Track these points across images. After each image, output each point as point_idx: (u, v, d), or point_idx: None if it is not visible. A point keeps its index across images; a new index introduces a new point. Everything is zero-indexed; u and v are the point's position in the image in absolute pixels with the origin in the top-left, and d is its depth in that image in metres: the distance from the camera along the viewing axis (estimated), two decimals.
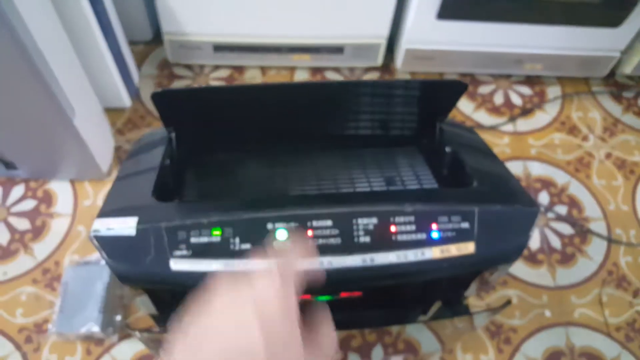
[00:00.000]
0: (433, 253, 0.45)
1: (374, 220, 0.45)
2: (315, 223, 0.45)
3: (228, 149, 0.60)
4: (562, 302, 0.98)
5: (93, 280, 0.91)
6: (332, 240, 0.44)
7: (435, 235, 0.45)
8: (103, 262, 0.94)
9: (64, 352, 0.89)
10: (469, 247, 0.45)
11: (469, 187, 0.51)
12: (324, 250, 0.44)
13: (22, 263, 0.98)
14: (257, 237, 0.44)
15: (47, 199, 1.06)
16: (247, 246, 0.44)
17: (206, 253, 0.43)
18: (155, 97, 0.50)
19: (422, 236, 0.45)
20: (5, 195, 1.06)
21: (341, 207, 0.46)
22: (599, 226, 1.08)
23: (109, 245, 0.43)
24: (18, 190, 1.07)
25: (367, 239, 0.45)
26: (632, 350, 0.94)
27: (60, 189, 1.07)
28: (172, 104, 0.52)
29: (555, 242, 1.06)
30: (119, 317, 0.91)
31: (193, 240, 0.43)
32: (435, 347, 0.90)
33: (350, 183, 0.57)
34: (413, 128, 0.60)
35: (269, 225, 0.44)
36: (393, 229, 0.45)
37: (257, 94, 0.54)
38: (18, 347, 0.90)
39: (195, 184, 0.57)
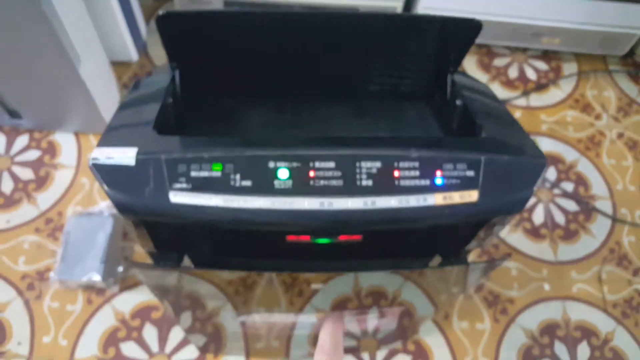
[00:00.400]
0: (435, 199, 0.44)
1: (378, 164, 0.44)
2: (317, 164, 0.44)
3: (234, 91, 0.59)
4: (561, 276, 0.98)
5: (95, 230, 0.92)
6: (334, 182, 0.44)
7: (439, 181, 0.44)
8: (106, 213, 0.95)
9: (66, 301, 0.90)
10: (472, 195, 0.44)
11: (477, 137, 0.50)
12: (325, 191, 0.43)
13: (25, 212, 0.99)
14: (258, 175, 0.43)
15: (52, 150, 1.06)
16: (247, 183, 0.43)
17: (206, 187, 0.43)
18: (161, 21, 0.48)
19: (425, 182, 0.44)
20: (10, 144, 1.06)
21: (345, 149, 0.45)
22: (604, 205, 1.07)
23: (108, 174, 0.43)
24: (22, 140, 1.06)
25: (369, 182, 0.44)
26: (628, 326, 0.94)
27: (65, 141, 1.07)
28: (178, 31, 0.50)
29: (560, 218, 1.05)
30: (120, 268, 0.92)
31: (193, 174, 0.43)
32: (430, 311, 0.91)
33: (356, 132, 0.56)
34: (424, 79, 0.59)
35: (271, 164, 0.44)
36: (396, 173, 0.44)
37: (270, 21, 0.52)
38: (20, 293, 0.90)
39: (198, 124, 0.56)
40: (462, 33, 0.54)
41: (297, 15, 0.55)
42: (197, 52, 0.55)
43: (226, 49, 0.55)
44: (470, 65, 1.25)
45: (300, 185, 0.43)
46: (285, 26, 0.53)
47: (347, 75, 0.60)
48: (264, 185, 0.43)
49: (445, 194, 0.44)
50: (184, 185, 0.42)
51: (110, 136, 0.46)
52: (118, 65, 1.14)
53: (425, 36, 0.54)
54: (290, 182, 0.43)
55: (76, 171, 1.04)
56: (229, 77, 0.58)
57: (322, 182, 0.44)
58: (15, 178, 1.02)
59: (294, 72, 0.58)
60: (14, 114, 1.03)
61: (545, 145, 1.14)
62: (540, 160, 0.47)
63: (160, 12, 0.49)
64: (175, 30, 0.51)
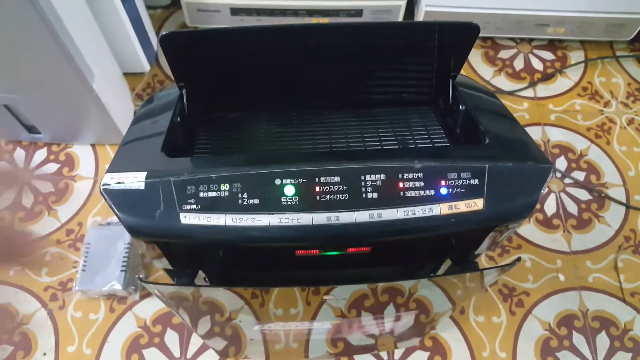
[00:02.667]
0: (441, 209, 0.45)
1: (382, 176, 0.45)
2: (323, 179, 0.45)
3: (240, 106, 0.60)
4: (576, 266, 0.98)
5: (115, 240, 0.94)
6: (340, 196, 0.45)
7: (443, 191, 0.45)
8: None
9: (88, 310, 0.93)
10: (477, 204, 0.45)
11: (480, 144, 0.50)
12: (331, 206, 0.45)
13: (46, 224, 1.01)
14: (265, 193, 0.45)
15: (70, 162, 1.08)
16: (255, 201, 0.44)
17: (214, 207, 0.44)
18: (164, 41, 0.49)
19: (430, 192, 0.45)
20: (29, 158, 1.09)
21: (349, 163, 0.46)
22: (617, 192, 1.07)
23: (119, 198, 0.44)
24: (41, 154, 1.09)
25: (374, 195, 0.45)
26: None
27: (82, 153, 1.09)
28: (182, 50, 0.51)
29: (572, 208, 1.05)
30: (140, 276, 0.94)
31: (202, 194, 0.44)
32: (447, 307, 0.91)
33: (362, 141, 0.57)
34: (427, 84, 0.59)
35: (277, 181, 0.45)
36: (401, 185, 0.45)
37: (271, 35, 0.53)
38: (44, 304, 0.93)
39: (206, 142, 0.57)
40: (460, 37, 0.54)
41: (298, 28, 0.56)
42: (202, 69, 0.56)
43: (231, 65, 0.57)
44: (476, 58, 1.24)
45: (307, 201, 0.45)
46: (286, 40, 0.54)
47: (350, 85, 0.61)
48: (271, 202, 0.44)
49: (451, 204, 0.45)
50: (193, 207, 0.44)
51: (120, 161, 0.47)
52: (131, 77, 1.16)
53: (425, 42, 0.55)
54: (296, 199, 0.45)
55: (94, 182, 1.06)
56: (235, 92, 0.59)
57: (328, 197, 0.45)
58: (35, 191, 1.05)
59: (297, 84, 0.59)
60: (31, 129, 1.06)
61: (555, 135, 1.13)
62: (545, 165, 0.47)
63: (163, 33, 0.50)
64: (178, 49, 0.52)
